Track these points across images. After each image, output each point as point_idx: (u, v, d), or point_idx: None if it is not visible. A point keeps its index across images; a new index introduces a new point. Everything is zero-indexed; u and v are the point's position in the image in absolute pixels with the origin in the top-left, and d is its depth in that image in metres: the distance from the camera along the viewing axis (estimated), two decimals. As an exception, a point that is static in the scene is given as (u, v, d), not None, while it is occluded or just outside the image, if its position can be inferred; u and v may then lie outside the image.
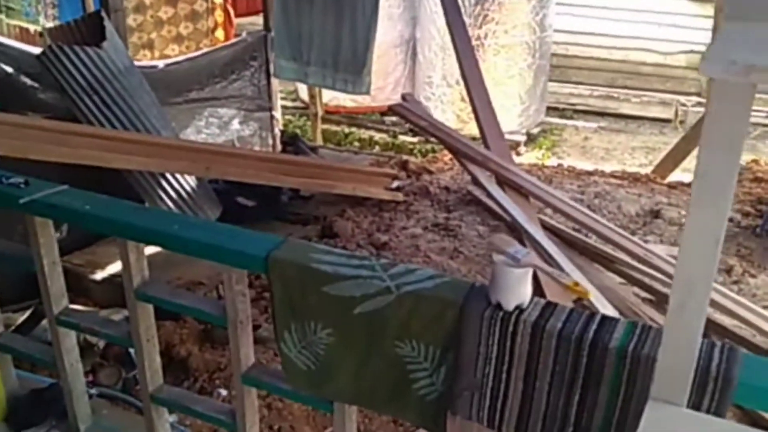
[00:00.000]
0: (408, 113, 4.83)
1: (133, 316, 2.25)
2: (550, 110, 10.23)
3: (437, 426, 1.85)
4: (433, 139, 5.78)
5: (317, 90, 7.23)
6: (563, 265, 3.28)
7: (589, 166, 8.23)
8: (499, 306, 1.69)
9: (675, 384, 1.34)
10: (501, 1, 8.20)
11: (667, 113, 10.14)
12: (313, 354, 1.91)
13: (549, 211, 4.45)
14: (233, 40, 6.29)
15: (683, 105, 9.54)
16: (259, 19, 6.22)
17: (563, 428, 1.73)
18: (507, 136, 9.17)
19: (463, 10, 8.02)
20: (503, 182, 4.04)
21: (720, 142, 1.06)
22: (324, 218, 4.78)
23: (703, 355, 1.57)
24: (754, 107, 5.78)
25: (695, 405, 1.56)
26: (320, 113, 7.31)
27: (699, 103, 8.87)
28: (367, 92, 5.92)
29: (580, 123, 10.27)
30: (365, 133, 9.07)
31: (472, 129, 9.15)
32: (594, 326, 1.66)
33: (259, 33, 5.90)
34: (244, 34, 6.03)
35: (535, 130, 9.44)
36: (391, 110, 5.18)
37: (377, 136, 8.99)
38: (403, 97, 5.12)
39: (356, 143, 8.96)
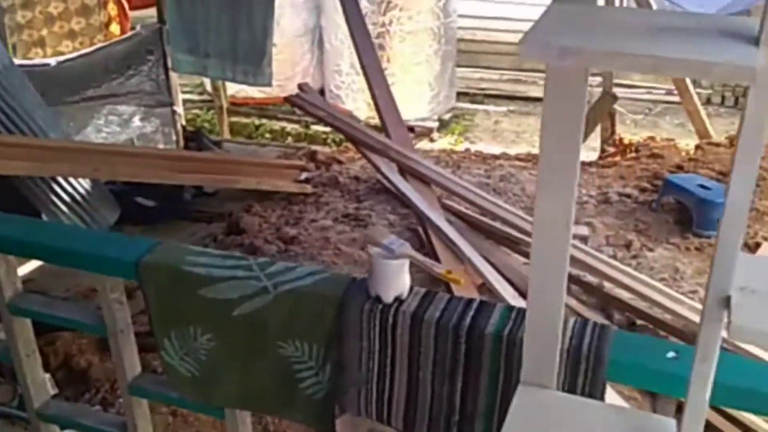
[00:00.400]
0: (305, 104, 4.77)
1: (8, 331, 2.13)
2: (461, 95, 10.33)
3: (326, 424, 1.82)
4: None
5: (220, 82, 7.06)
6: (465, 250, 3.31)
7: (499, 150, 8.36)
8: (378, 299, 1.67)
9: (542, 366, 1.35)
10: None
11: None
12: (196, 360, 1.85)
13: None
14: (128, 34, 6.07)
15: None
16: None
17: (449, 416, 1.73)
18: (419, 123, 9.25)
19: (366, -2, 8.01)
20: (405, 170, 4.04)
21: (558, 126, 1.06)
22: (230, 215, 4.67)
23: (575, 334, 1.59)
24: (654, 85, 5.93)
25: (570, 385, 1.58)
26: (225, 106, 7.16)
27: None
28: (269, 83, 5.82)
29: (490, 107, 10.42)
30: (276, 125, 8.94)
31: (384, 117, 9.19)
32: (471, 312, 1.66)
33: (154, 26, 5.71)
34: (138, 28, 5.82)
35: (447, 116, 9.52)
36: (287, 101, 5.11)
37: (289, 126, 8.88)
38: (300, 88, 5.05)
39: (267, 135, 8.82)
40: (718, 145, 5.79)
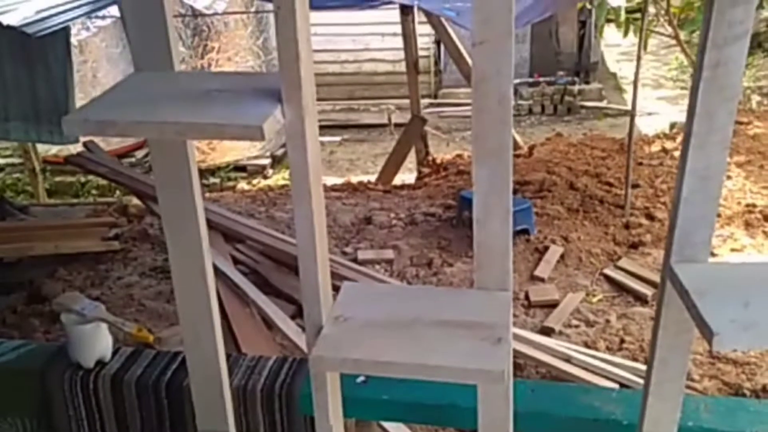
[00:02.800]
0: (86, 162, 4.67)
1: None
2: (296, 129, 10.42)
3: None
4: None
5: (30, 144, 6.78)
6: (249, 293, 3.34)
7: (334, 180, 8.51)
8: (79, 365, 1.66)
9: (213, 411, 1.38)
10: (218, 30, 8.21)
11: (404, 118, 10.71)
12: None
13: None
14: None
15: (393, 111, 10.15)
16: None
17: (171, 472, 1.73)
18: (251, 162, 9.25)
19: (181, 43, 7.96)
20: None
21: (171, 182, 1.12)
22: (30, 282, 4.47)
23: (271, 373, 1.65)
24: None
25: (270, 424, 1.63)
26: (38, 168, 6.87)
27: (403, 107, 9.35)
28: (76, 140, 5.63)
29: (325, 138, 10.56)
30: (103, 180, 8.66)
31: (215, 159, 9.11)
32: (174, 366, 1.68)
33: (-60, 93, 5.40)
34: None
35: (280, 152, 9.55)
36: (67, 162, 4.98)
37: (116, 180, 8.61)
38: (86, 146, 4.94)
39: (94, 191, 8.55)
40: (518, 156, 6.15)
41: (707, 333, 1.03)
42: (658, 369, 1.30)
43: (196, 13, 7.60)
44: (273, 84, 1.07)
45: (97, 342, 1.65)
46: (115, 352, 1.71)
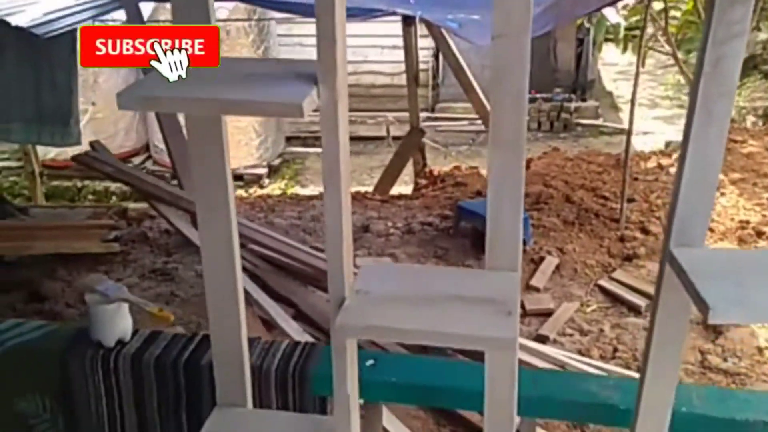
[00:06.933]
0: (93, 162, 4.73)
1: None
2: (293, 140, 10.54)
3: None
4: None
5: (31, 147, 6.83)
6: (259, 299, 3.40)
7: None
8: (100, 344, 1.72)
9: (233, 387, 1.45)
10: (221, 38, 8.27)
11: (401, 131, 10.80)
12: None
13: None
14: None
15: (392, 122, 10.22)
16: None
17: (184, 451, 1.79)
18: (248, 171, 9.32)
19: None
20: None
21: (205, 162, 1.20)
22: (30, 282, 4.52)
23: (284, 356, 1.72)
24: (475, 116, 6.18)
25: (283, 404, 1.70)
26: (37, 170, 6.91)
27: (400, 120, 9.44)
28: (78, 142, 5.68)
29: (320, 149, 10.65)
30: (100, 185, 8.72)
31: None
32: (192, 346, 1.75)
33: (-55, 93, 5.46)
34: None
35: (277, 161, 9.64)
36: (75, 161, 5.04)
37: (113, 185, 8.66)
38: (92, 146, 5.00)
39: (90, 197, 8.60)
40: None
41: (703, 307, 1.11)
42: (655, 354, 1.37)
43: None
44: (309, 69, 1.15)
45: (119, 322, 1.72)
46: (134, 334, 1.77)
